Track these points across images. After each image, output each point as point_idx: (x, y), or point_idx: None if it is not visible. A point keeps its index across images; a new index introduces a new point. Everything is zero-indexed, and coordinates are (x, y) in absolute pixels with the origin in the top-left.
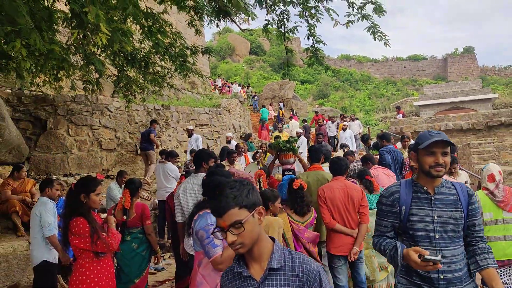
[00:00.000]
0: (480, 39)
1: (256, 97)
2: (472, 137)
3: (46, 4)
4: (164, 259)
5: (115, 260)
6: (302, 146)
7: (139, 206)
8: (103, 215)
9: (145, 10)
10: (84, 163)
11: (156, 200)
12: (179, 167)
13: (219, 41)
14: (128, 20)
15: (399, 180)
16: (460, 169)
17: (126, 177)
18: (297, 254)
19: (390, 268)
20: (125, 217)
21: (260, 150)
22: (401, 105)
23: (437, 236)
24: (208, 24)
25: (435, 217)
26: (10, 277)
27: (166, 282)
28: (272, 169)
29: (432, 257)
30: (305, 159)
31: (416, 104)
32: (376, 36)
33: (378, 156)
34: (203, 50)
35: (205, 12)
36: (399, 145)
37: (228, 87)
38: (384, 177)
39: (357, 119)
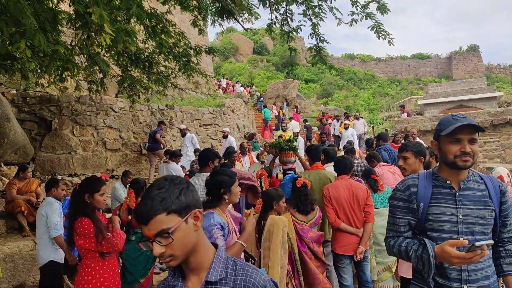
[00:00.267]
0: (480, 39)
1: (261, 98)
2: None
3: (51, 5)
4: None
5: (121, 260)
6: (299, 146)
7: None
8: (108, 215)
9: (149, 11)
10: (89, 163)
11: None
12: (183, 167)
13: (223, 41)
14: (132, 20)
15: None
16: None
17: (131, 177)
18: (244, 265)
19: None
20: (130, 217)
21: (263, 149)
22: (405, 104)
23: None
24: (211, 24)
25: (460, 217)
26: (16, 277)
27: None
28: (272, 168)
29: (484, 242)
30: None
31: (420, 102)
32: (380, 34)
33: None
34: (207, 50)
35: (208, 12)
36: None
37: (233, 86)
38: (389, 175)
39: (361, 117)
